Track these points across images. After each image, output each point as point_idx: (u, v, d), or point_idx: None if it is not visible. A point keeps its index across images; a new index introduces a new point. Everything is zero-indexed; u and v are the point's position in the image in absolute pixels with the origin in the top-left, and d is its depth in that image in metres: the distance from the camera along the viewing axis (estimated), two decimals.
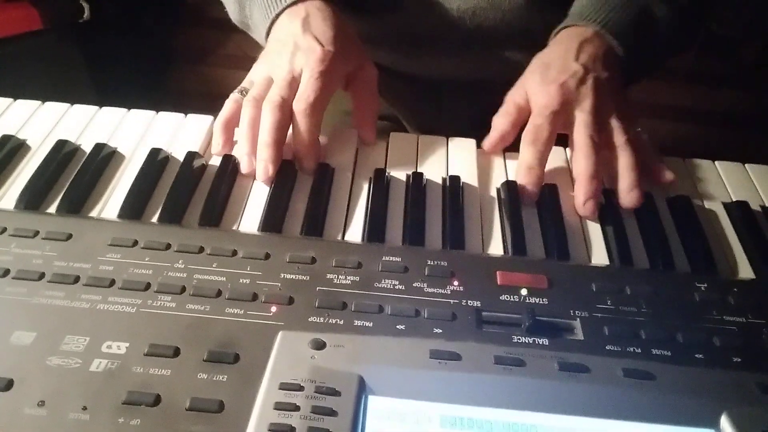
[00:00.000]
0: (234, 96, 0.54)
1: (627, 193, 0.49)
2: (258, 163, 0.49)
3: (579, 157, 0.50)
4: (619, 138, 0.51)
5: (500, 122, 0.55)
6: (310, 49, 0.52)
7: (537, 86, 0.53)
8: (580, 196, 0.49)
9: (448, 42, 0.70)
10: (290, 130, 0.51)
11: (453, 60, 0.71)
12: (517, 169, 0.51)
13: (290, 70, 0.52)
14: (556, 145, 0.56)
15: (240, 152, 0.51)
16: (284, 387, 0.34)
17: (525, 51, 0.71)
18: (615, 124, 0.51)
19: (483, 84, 0.74)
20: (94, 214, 0.47)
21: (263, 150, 0.49)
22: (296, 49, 0.52)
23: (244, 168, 0.51)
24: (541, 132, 0.51)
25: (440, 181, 0.52)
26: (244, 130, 0.51)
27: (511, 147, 0.56)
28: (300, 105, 0.50)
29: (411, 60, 0.73)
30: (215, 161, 0.52)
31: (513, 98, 0.55)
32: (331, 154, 0.54)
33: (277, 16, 0.56)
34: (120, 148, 0.53)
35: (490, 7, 0.65)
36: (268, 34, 0.57)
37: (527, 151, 0.51)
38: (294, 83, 0.51)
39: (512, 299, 0.41)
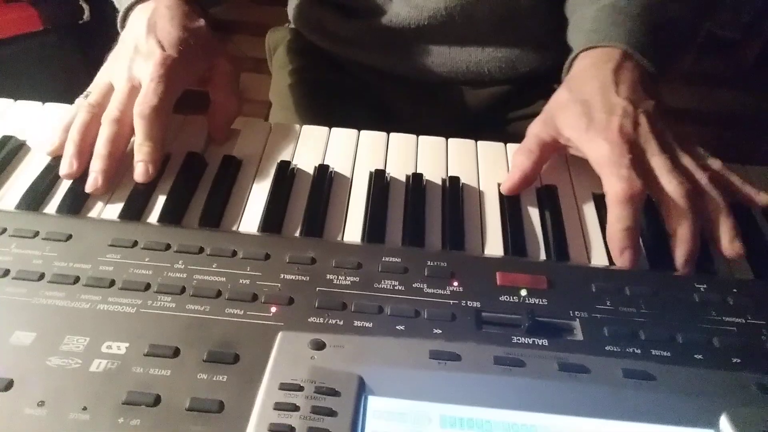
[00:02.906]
0: (78, 101, 0.52)
1: (730, 244, 0.45)
2: (90, 173, 0.48)
3: (675, 216, 0.45)
4: (700, 177, 0.47)
5: (522, 161, 0.50)
6: (150, 54, 0.50)
7: (588, 135, 0.48)
8: (680, 258, 0.44)
9: (439, 42, 0.70)
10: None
11: (445, 60, 0.71)
12: (612, 231, 0.45)
13: (129, 78, 0.50)
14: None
15: (64, 156, 0.49)
16: (284, 387, 0.34)
17: (516, 49, 0.71)
18: (688, 162, 0.48)
19: (476, 84, 0.74)
20: (94, 214, 0.47)
21: (95, 161, 0.48)
22: (136, 54, 0.51)
23: (62, 170, 0.48)
24: (633, 190, 0.44)
25: (440, 182, 0.52)
26: (72, 134, 0.49)
27: (505, 139, 0.56)
28: (141, 108, 0.48)
29: (403, 61, 0.73)
30: (215, 161, 0.52)
31: (538, 135, 0.51)
32: (330, 155, 0.54)
33: (128, 11, 0.54)
34: None
35: (477, 1, 0.65)
36: (122, 28, 0.56)
37: (624, 209, 0.44)
38: (133, 92, 0.49)
39: (512, 300, 0.41)
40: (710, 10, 0.60)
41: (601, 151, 0.47)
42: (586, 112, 0.48)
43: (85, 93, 0.52)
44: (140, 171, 0.48)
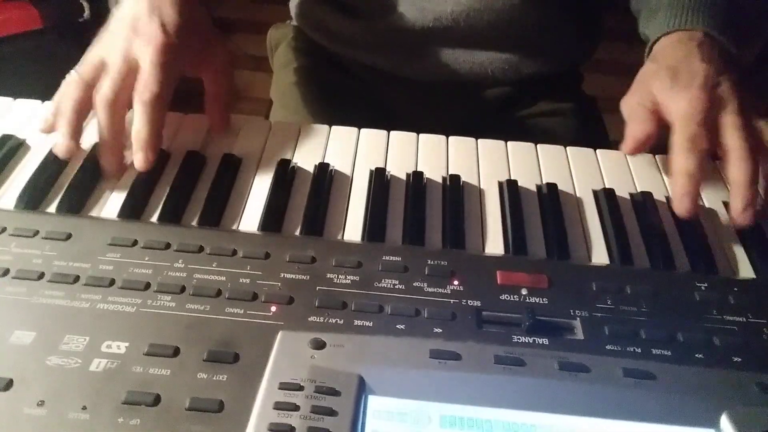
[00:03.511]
0: (69, 77, 0.50)
1: None
2: (103, 166, 0.48)
3: (735, 162, 0.47)
4: None
5: (639, 129, 0.52)
6: (152, 38, 0.48)
7: (671, 92, 0.50)
8: (738, 204, 0.47)
9: (443, 45, 0.70)
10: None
11: (448, 62, 0.71)
12: (674, 177, 0.48)
13: (125, 58, 0.48)
14: (554, 143, 0.56)
15: (58, 135, 0.48)
16: (284, 387, 0.34)
17: (520, 51, 0.71)
18: (763, 125, 0.50)
19: (479, 85, 0.74)
20: (94, 213, 0.47)
21: (104, 153, 0.48)
22: (135, 34, 0.49)
23: (57, 149, 0.48)
24: (700, 140, 0.47)
25: (440, 180, 0.52)
26: (65, 111, 0.48)
27: (507, 140, 0.56)
28: (142, 95, 0.47)
29: (407, 63, 0.73)
30: (215, 161, 0.52)
31: (643, 104, 0.52)
32: (330, 154, 0.54)
33: None
34: None
35: (483, 9, 0.65)
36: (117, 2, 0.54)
37: (688, 158, 0.47)
38: (129, 74, 0.48)
39: (512, 299, 0.41)
40: None
41: (681, 104, 0.49)
42: (672, 75, 0.51)
43: (75, 68, 0.51)
44: (140, 159, 0.47)
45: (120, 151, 0.49)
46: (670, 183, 0.49)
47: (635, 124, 0.52)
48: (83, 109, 0.49)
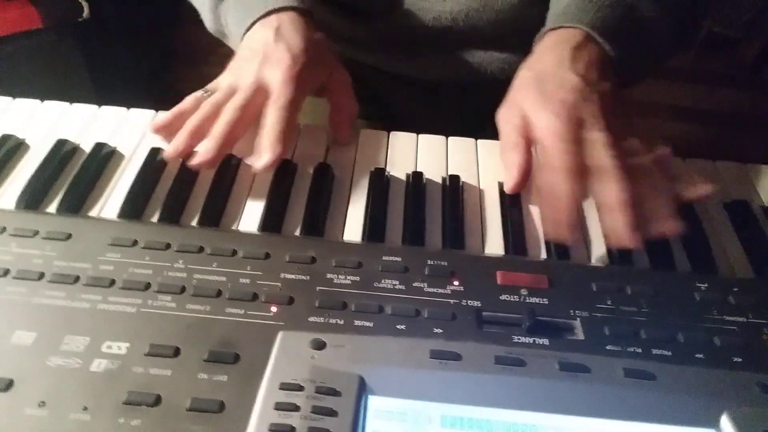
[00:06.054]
0: (197, 94, 0.54)
1: (663, 224, 0.43)
2: (202, 149, 0.49)
3: (609, 184, 0.43)
4: (641, 159, 0.46)
5: (512, 158, 0.49)
6: (280, 61, 0.52)
7: (537, 106, 0.48)
8: (621, 228, 0.42)
9: (443, 44, 0.70)
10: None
11: (448, 62, 0.71)
12: (543, 203, 0.46)
13: (256, 80, 0.51)
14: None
15: (176, 137, 0.50)
16: (284, 387, 0.34)
17: (519, 50, 0.71)
18: (634, 142, 0.47)
19: (479, 84, 0.74)
20: (94, 213, 0.47)
21: (210, 140, 0.49)
22: (266, 59, 0.52)
23: (169, 146, 0.50)
24: (568, 159, 0.44)
25: (440, 181, 0.52)
26: (190, 122, 0.50)
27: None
28: (276, 102, 0.50)
29: (406, 63, 0.73)
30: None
31: (511, 122, 0.50)
32: (330, 154, 0.54)
33: (252, 24, 0.56)
34: (120, 148, 0.53)
35: (483, 9, 0.65)
36: (241, 39, 0.57)
37: (567, 182, 0.44)
38: (258, 94, 0.51)
39: (512, 299, 0.41)
40: (694, 16, 0.60)
41: (548, 124, 0.47)
42: (540, 86, 0.49)
43: (204, 89, 0.54)
44: (265, 161, 0.49)
45: (226, 146, 0.50)
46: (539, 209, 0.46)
47: (510, 152, 0.50)
48: (208, 125, 0.50)
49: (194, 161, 0.49)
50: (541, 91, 0.48)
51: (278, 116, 0.50)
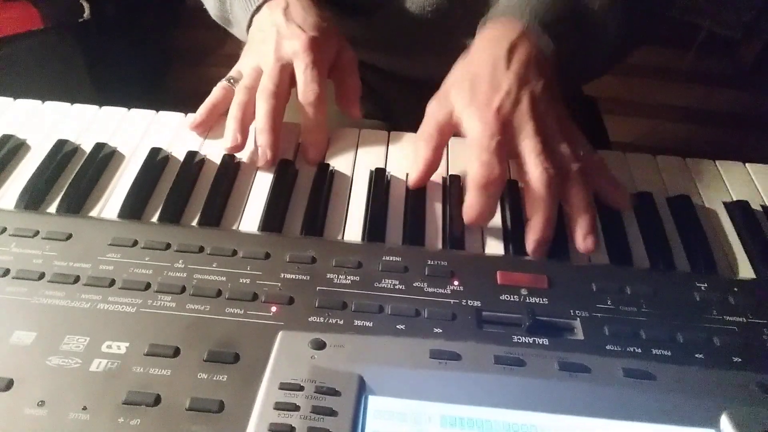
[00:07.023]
0: (222, 83, 0.55)
1: (582, 240, 0.45)
2: (259, 149, 0.51)
3: (533, 199, 0.45)
4: (571, 166, 0.46)
5: (422, 149, 0.49)
6: (295, 36, 0.53)
7: (468, 108, 0.47)
8: (529, 244, 0.45)
9: (443, 44, 0.70)
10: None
11: (448, 61, 0.71)
12: (464, 213, 0.46)
13: (278, 58, 0.52)
14: None
15: (227, 131, 0.52)
16: (284, 387, 0.34)
17: None
18: (564, 149, 0.47)
19: None
20: (94, 213, 0.47)
21: (261, 136, 0.51)
22: (280, 37, 0.53)
23: (227, 143, 0.51)
24: (492, 170, 0.44)
25: (440, 181, 0.52)
26: (233, 112, 0.52)
27: None
28: (308, 97, 0.51)
29: (406, 62, 0.73)
30: (215, 161, 0.52)
31: (435, 117, 0.49)
32: (330, 154, 0.54)
33: (258, 8, 0.56)
34: (120, 148, 0.53)
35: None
36: (249, 27, 0.58)
37: (475, 195, 0.45)
38: (284, 71, 0.52)
39: (512, 299, 0.41)
40: (645, 10, 0.59)
41: (474, 131, 0.46)
42: (473, 87, 0.48)
43: (227, 77, 0.56)
44: (313, 154, 0.53)
45: (277, 135, 0.51)
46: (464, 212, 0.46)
47: (422, 142, 0.49)
48: (248, 110, 0.52)
49: (260, 164, 0.51)
50: (474, 93, 0.48)
51: (311, 75, 0.51)
